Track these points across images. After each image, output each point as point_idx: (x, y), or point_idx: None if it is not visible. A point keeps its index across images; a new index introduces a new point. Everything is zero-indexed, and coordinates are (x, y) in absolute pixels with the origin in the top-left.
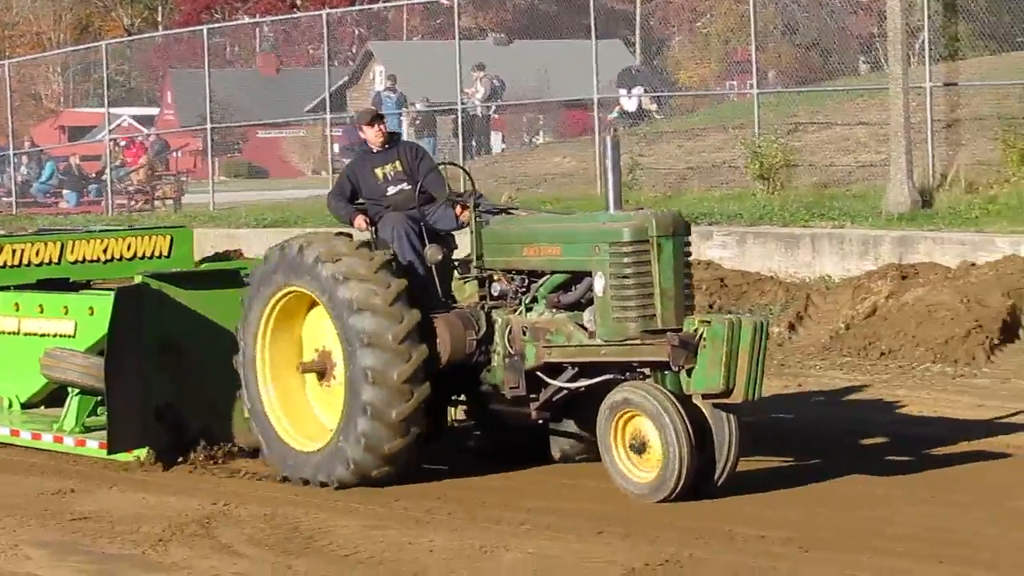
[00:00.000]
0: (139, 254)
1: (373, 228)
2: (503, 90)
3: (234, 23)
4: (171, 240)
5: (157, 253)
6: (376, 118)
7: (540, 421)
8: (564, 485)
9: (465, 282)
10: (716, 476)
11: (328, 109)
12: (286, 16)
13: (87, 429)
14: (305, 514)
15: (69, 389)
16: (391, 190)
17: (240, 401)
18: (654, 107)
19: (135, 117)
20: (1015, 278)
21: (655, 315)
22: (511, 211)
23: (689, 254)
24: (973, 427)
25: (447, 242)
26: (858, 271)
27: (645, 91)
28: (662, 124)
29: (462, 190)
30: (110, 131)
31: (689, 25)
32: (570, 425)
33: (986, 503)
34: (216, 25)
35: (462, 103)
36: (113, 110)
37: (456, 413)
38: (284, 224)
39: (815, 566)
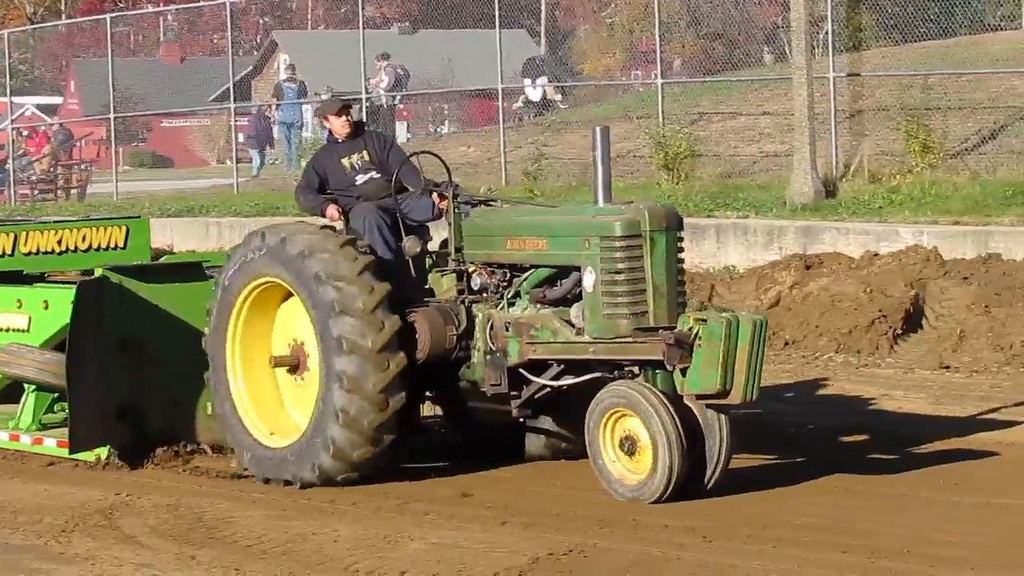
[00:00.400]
0: (94, 246)
1: (344, 219)
2: (407, 79)
3: (138, 12)
4: (127, 231)
5: (113, 244)
6: (343, 108)
7: (521, 419)
8: (469, 476)
9: (442, 275)
10: (707, 478)
11: (232, 98)
12: (190, 5)
13: (44, 427)
14: (209, 504)
15: (25, 386)
16: (360, 179)
17: (203, 398)
18: (559, 97)
19: (38, 106)
20: (918, 268)
21: (647, 312)
22: (490, 203)
23: (682, 249)
24: (878, 417)
25: (421, 233)
26: (762, 261)
27: (550, 81)
28: (567, 114)
29: (437, 180)
30: (13, 121)
31: (594, 15)
32: (547, 423)
33: (889, 493)
34: (120, 14)
35: (367, 92)
36: (16, 99)
37: (424, 408)
38: (188, 214)
39: (719, 555)
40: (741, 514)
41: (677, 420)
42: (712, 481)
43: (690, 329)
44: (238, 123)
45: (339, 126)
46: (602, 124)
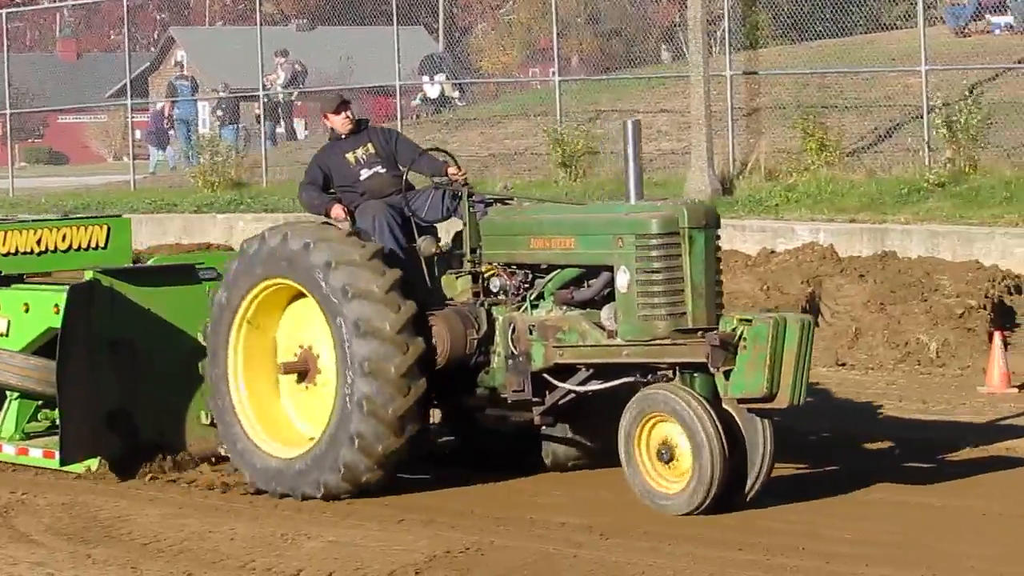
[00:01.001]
0: (75, 245)
1: (350, 218)
2: (305, 76)
3: (33, 7)
4: (108, 230)
5: (93, 244)
6: (342, 104)
7: (542, 426)
8: None
9: (457, 277)
10: (749, 486)
11: (129, 95)
12: (86, 0)
13: (27, 436)
14: (105, 503)
15: (8, 393)
16: (364, 173)
17: (195, 406)
18: (457, 94)
19: None
20: (814, 265)
21: (686, 313)
22: (507, 201)
23: (719, 248)
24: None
25: (433, 233)
26: None
27: (448, 78)
28: (465, 111)
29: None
30: None
31: (492, 12)
32: (564, 430)
33: (790, 490)
34: (15, 9)
35: (264, 89)
36: None
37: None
38: (85, 210)
39: (615, 553)
40: (639, 512)
41: (720, 427)
42: (754, 491)
43: (733, 330)
44: (135, 119)
45: (340, 123)
46: (633, 119)
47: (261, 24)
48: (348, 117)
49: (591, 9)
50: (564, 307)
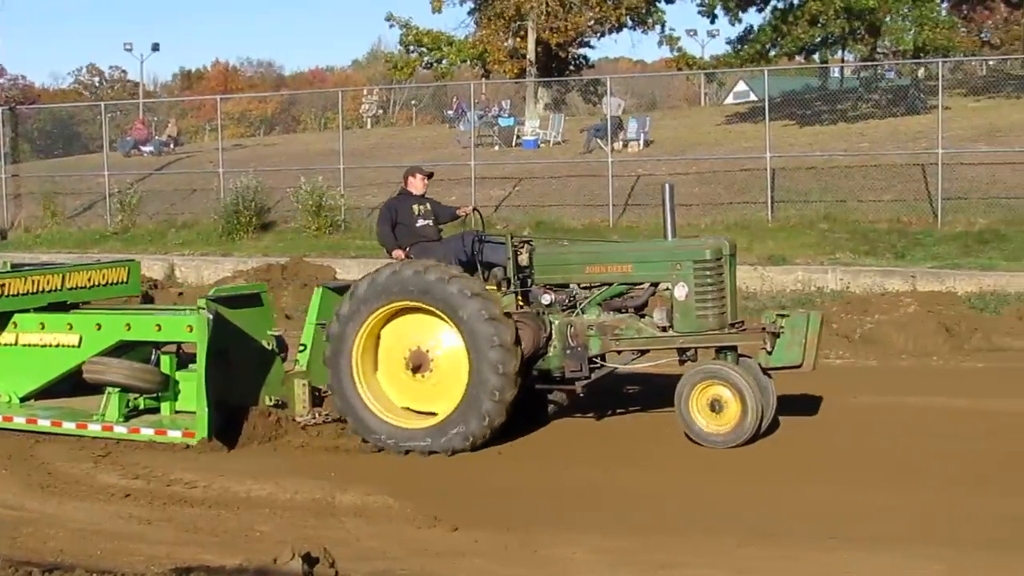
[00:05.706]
0: (110, 281)
1: (410, 258)
2: None
3: None
4: (128, 270)
5: (120, 280)
6: (428, 176)
7: (581, 394)
8: None
9: (504, 294)
10: (762, 423)
11: None
12: None
13: (127, 418)
14: None
15: (108, 388)
16: (420, 223)
17: (263, 393)
18: None
19: None
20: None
21: (726, 312)
22: (528, 241)
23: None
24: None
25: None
26: None
27: None
28: None
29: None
30: None
31: None
32: (558, 395)
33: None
34: None
35: None
36: None
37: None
38: None
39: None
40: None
41: (757, 386)
42: (763, 427)
43: (774, 322)
44: None
45: (420, 184)
46: (669, 182)
47: None
48: (425, 183)
49: None
50: (612, 312)
